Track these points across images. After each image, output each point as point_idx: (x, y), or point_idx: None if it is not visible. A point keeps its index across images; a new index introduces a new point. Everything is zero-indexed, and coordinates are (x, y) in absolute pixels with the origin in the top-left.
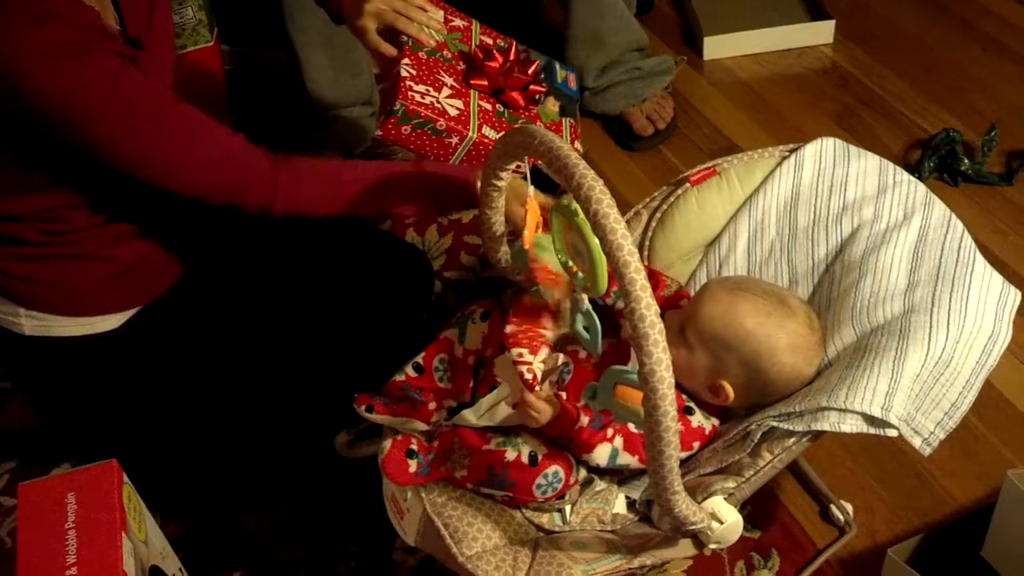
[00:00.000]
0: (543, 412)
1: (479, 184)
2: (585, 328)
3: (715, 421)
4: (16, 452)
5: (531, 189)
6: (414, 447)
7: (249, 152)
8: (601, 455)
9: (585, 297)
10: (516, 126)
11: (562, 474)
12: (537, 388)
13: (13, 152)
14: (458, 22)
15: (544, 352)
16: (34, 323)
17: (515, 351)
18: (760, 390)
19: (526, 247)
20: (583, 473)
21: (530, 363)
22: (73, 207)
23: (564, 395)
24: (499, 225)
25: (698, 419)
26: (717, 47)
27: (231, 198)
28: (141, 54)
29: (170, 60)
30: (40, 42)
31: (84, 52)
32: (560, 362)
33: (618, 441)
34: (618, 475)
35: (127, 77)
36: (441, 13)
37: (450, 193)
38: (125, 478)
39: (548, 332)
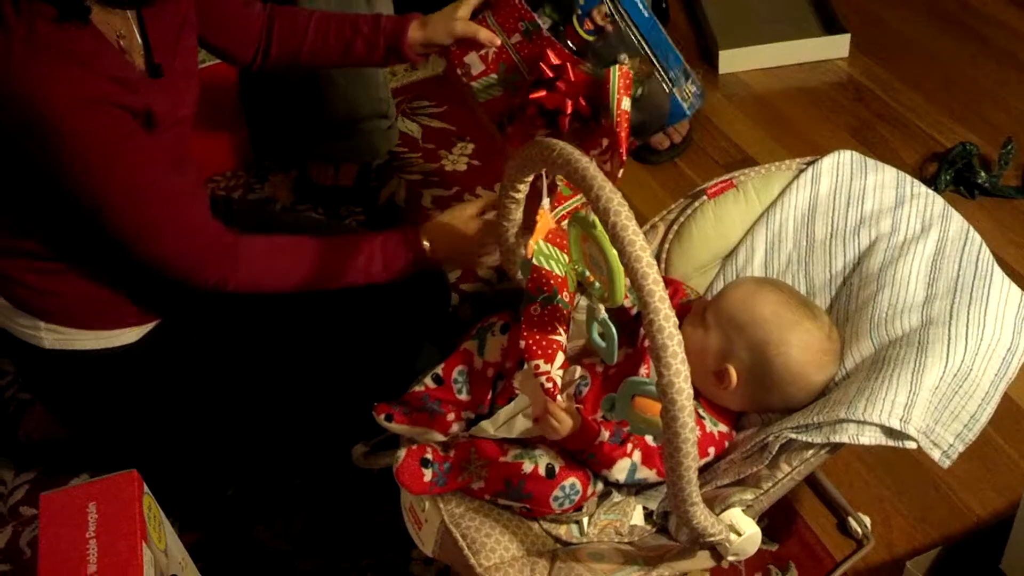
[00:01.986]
0: (564, 423)
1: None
2: (601, 336)
3: (723, 428)
4: (37, 462)
5: (546, 201)
6: (429, 456)
7: (217, 233)
8: (621, 470)
9: (602, 307)
10: (534, 139)
11: (579, 486)
12: (559, 398)
13: (24, 179)
14: None
15: (560, 357)
16: (54, 337)
17: (532, 363)
18: (763, 383)
19: (528, 255)
20: (600, 485)
21: (548, 372)
22: (87, 224)
23: (582, 408)
24: (516, 238)
25: (708, 425)
26: (732, 61)
27: (188, 273)
28: (160, 83)
29: (193, 85)
30: (59, 85)
31: (99, 104)
32: (577, 375)
33: (636, 455)
34: (636, 487)
35: (131, 143)
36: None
37: (399, 262)
38: (145, 488)
39: (560, 337)
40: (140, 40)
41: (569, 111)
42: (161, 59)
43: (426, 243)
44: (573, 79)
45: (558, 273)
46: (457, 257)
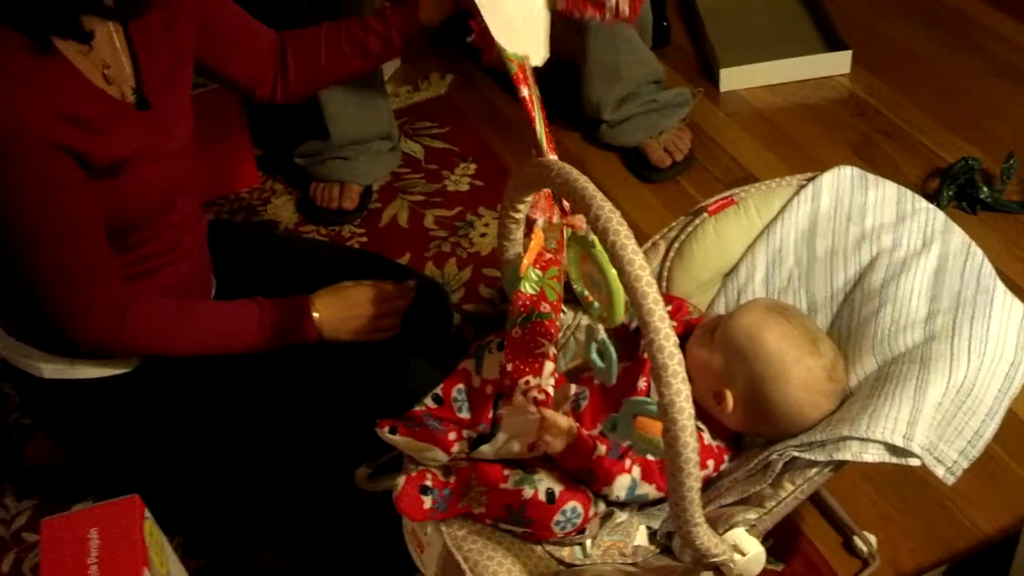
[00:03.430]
0: (560, 431)
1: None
2: (599, 355)
3: (721, 442)
4: (38, 488)
5: (540, 219)
6: (428, 483)
7: (110, 298)
8: (621, 487)
9: (600, 327)
10: (533, 159)
11: (580, 509)
12: (552, 412)
13: None
14: None
15: (549, 366)
16: (53, 367)
17: (521, 381)
18: (759, 414)
19: (521, 274)
20: (602, 506)
21: (538, 384)
22: None
23: (579, 424)
24: (516, 258)
25: (707, 437)
26: (734, 79)
27: (69, 331)
28: (147, 115)
29: (184, 120)
30: (4, 114)
31: (41, 146)
32: (573, 392)
33: (636, 471)
34: (637, 504)
35: (61, 195)
36: None
37: (288, 321)
38: (147, 513)
39: (546, 347)
40: (131, 70)
41: (491, 56)
42: (151, 91)
43: (316, 313)
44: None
45: (531, 292)
46: (348, 327)
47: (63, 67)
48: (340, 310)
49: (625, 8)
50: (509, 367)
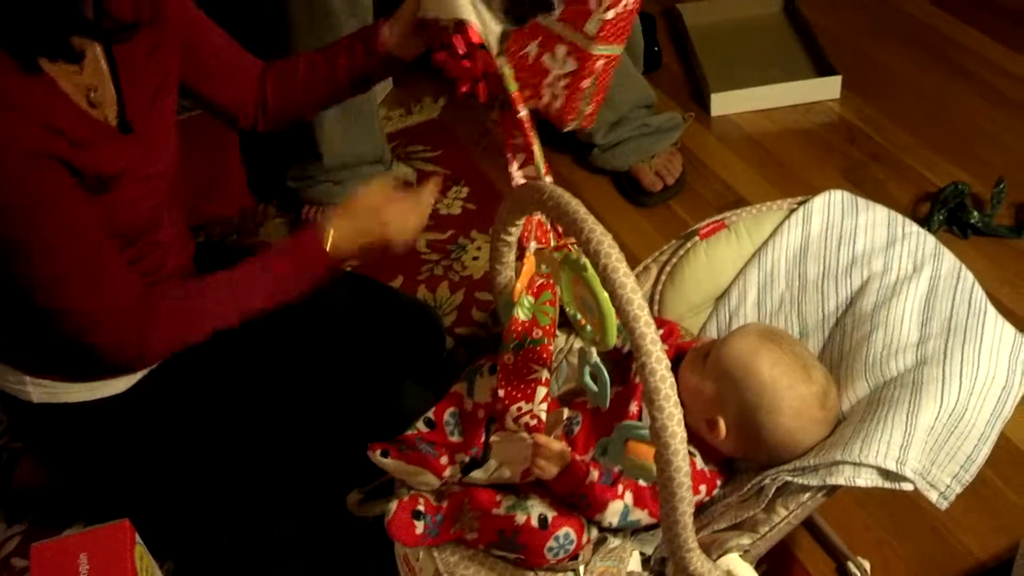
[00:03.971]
0: (553, 456)
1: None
2: (593, 378)
3: (713, 467)
4: (28, 512)
5: (533, 244)
6: (421, 508)
7: (132, 298)
8: (614, 513)
9: (593, 350)
10: (525, 183)
11: (573, 535)
12: (545, 437)
13: None
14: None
15: (542, 391)
16: (41, 391)
17: (513, 408)
18: (752, 441)
19: (515, 299)
20: (595, 532)
21: (531, 410)
22: None
23: (572, 449)
24: (510, 281)
25: (699, 462)
26: (724, 103)
27: (93, 347)
28: (130, 138)
29: (169, 143)
30: None
31: (33, 157)
32: (565, 416)
33: (628, 497)
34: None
35: (61, 202)
36: None
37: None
38: (137, 538)
39: (539, 373)
40: (115, 94)
41: (464, 89)
42: (134, 115)
43: (330, 236)
44: (478, 65)
45: (524, 318)
46: (361, 229)
47: (49, 87)
48: (354, 221)
49: (557, 108)
50: (501, 393)
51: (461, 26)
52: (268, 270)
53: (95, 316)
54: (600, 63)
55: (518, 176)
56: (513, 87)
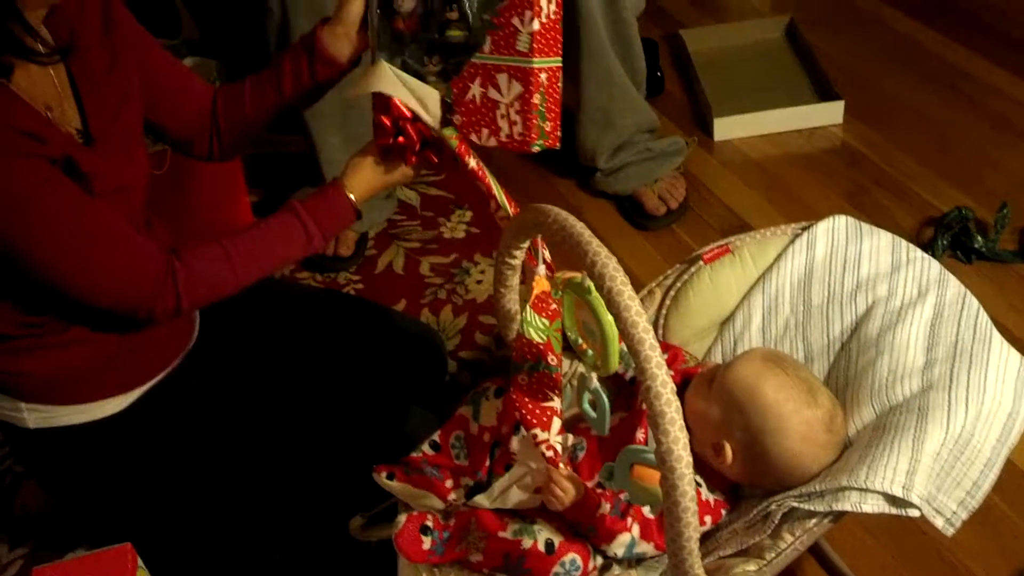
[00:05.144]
0: (568, 492)
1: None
2: (592, 405)
3: (719, 496)
4: (30, 536)
5: (541, 268)
6: (429, 523)
7: (154, 266)
8: (620, 545)
9: (594, 376)
10: (529, 205)
11: (579, 562)
12: (561, 466)
13: None
14: None
15: (557, 423)
16: (36, 416)
17: (530, 432)
18: (758, 466)
19: (524, 314)
20: (600, 559)
21: (547, 440)
22: (46, 297)
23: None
24: (513, 304)
25: (704, 492)
26: (727, 128)
27: (136, 312)
28: (89, 150)
29: (138, 156)
30: None
31: (5, 155)
32: (571, 442)
33: (635, 530)
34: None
35: (49, 187)
36: None
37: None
38: (139, 562)
39: (553, 403)
40: (76, 109)
41: (413, 160)
42: (97, 130)
43: (351, 194)
44: (412, 135)
45: (539, 340)
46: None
47: (13, 96)
48: (369, 176)
49: (518, 132)
50: (519, 413)
51: (385, 102)
52: (300, 223)
53: (127, 283)
54: (544, 76)
55: (497, 217)
56: (454, 144)
